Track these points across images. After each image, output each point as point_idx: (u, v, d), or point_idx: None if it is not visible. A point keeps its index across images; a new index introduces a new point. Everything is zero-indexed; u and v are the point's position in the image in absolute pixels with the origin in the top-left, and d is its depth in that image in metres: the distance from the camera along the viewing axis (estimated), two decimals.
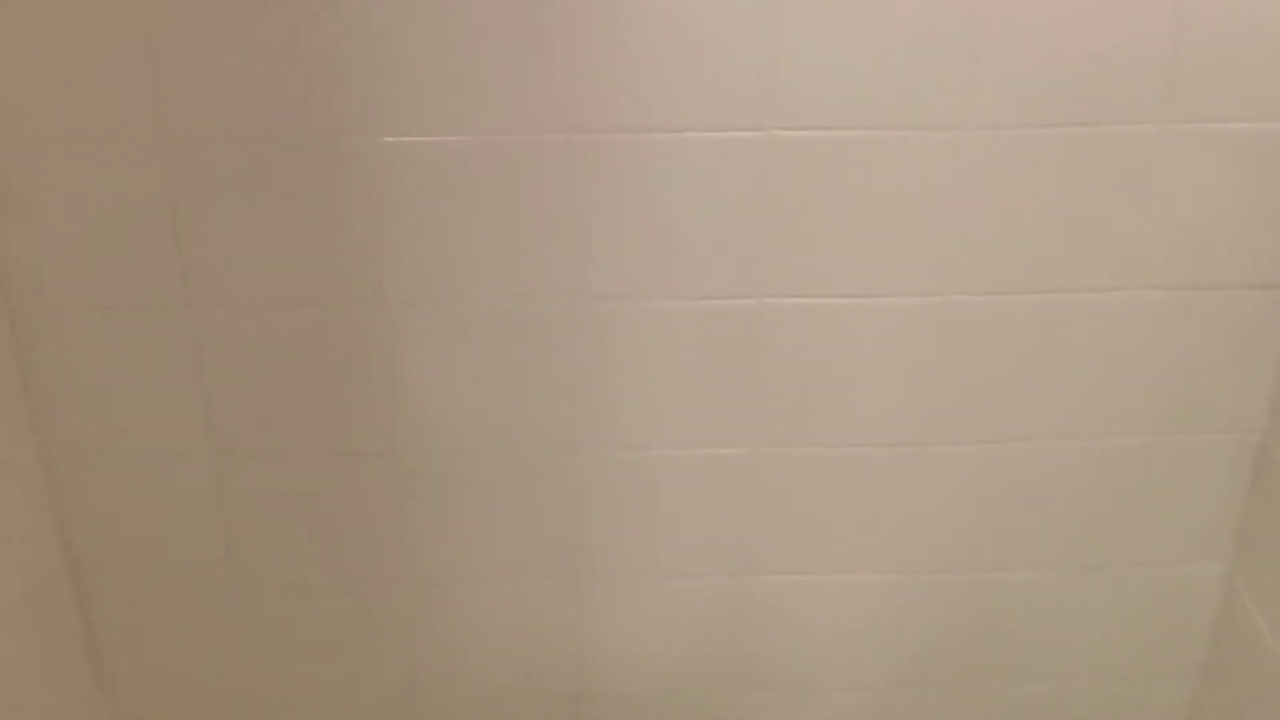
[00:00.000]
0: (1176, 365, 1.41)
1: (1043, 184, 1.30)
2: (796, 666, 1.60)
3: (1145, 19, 1.23)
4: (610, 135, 1.26)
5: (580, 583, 1.52)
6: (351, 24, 1.22)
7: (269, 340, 1.37)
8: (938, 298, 1.36)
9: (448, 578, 1.51)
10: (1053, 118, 1.27)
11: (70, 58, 1.23)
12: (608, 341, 1.37)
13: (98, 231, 1.31)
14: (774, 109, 1.25)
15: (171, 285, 1.34)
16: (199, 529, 1.48)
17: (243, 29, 1.22)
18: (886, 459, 1.45)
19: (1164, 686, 1.62)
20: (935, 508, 1.49)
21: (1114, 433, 1.44)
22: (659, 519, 1.49)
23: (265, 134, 1.26)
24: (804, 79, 1.25)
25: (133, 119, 1.26)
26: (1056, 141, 1.28)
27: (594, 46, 1.23)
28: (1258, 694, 1.45)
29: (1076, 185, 1.31)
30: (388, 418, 1.41)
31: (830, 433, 1.43)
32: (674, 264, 1.33)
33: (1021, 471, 1.47)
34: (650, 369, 1.39)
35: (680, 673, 1.60)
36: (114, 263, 1.33)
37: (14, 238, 1.31)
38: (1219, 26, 1.23)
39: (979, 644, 1.59)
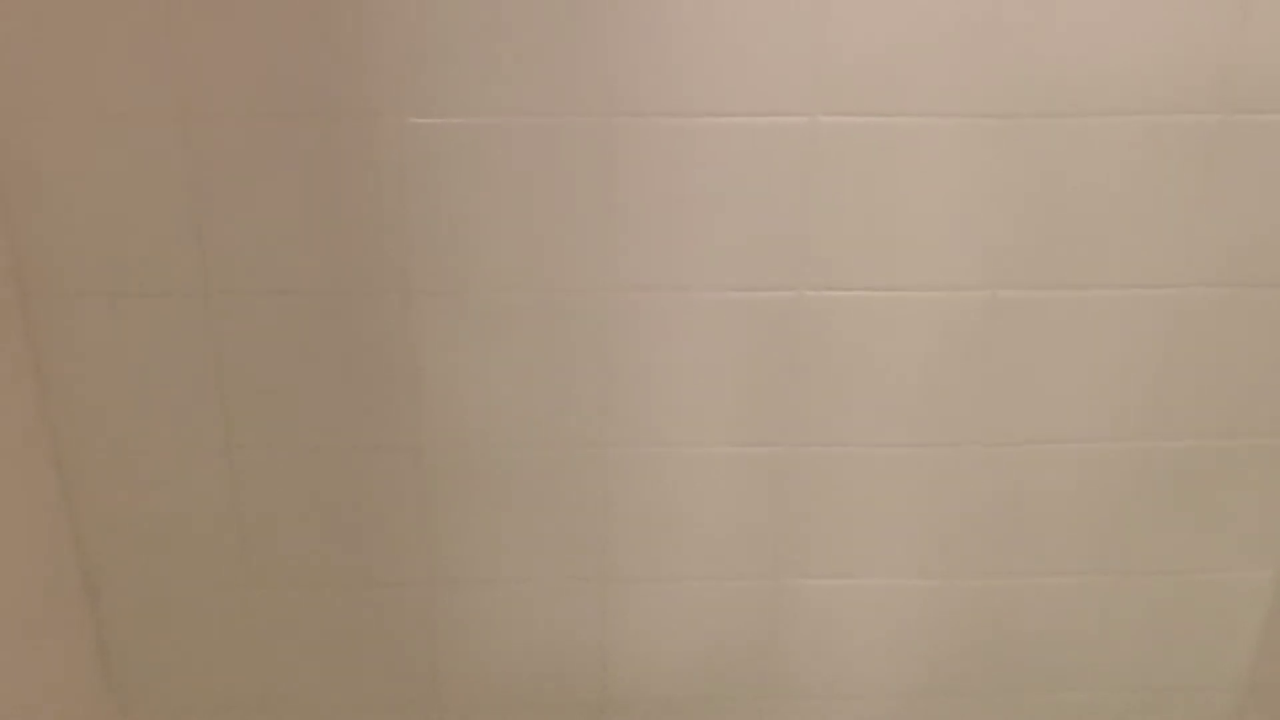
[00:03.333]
0: (1226, 366, 1.37)
1: (1096, 175, 1.27)
2: (824, 671, 1.57)
3: (1206, 8, 1.19)
4: (649, 119, 1.23)
5: (606, 583, 1.49)
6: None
7: (290, 329, 1.34)
8: (983, 293, 1.32)
9: (471, 576, 1.48)
10: (1107, 107, 1.23)
11: (91, 38, 1.20)
12: (640, 334, 1.34)
13: (116, 215, 1.28)
14: (819, 94, 1.22)
15: (191, 271, 1.31)
16: (215, 524, 1.45)
17: (266, 6, 1.19)
18: (923, 459, 1.42)
19: (1208, 697, 1.58)
20: (972, 510, 1.45)
21: (1160, 435, 1.41)
22: (687, 519, 1.45)
23: (289, 114, 1.23)
24: (850, 63, 1.21)
25: (154, 99, 1.22)
26: (1111, 132, 1.24)
27: (635, 26, 1.19)
28: None
29: (1130, 178, 1.27)
30: (411, 411, 1.38)
31: (866, 431, 1.40)
32: (711, 254, 1.30)
33: (1063, 474, 1.43)
34: (683, 363, 1.36)
35: (705, 676, 1.56)
36: (132, 248, 1.30)
37: (30, 221, 1.28)
38: None
39: (1014, 651, 1.55)
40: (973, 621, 1.53)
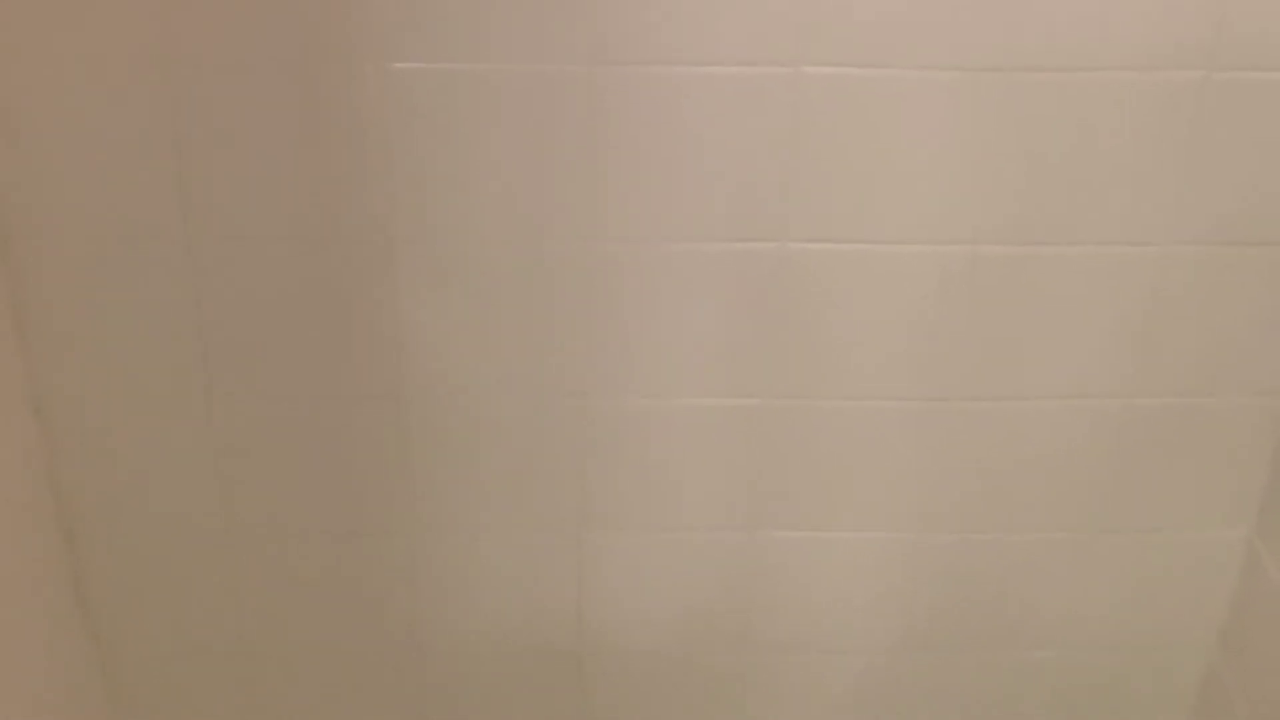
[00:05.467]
0: (1209, 325, 1.37)
1: (1082, 131, 1.26)
2: (802, 625, 1.57)
3: None
4: (634, 68, 1.22)
5: (585, 534, 1.49)
6: None
7: (271, 278, 1.33)
8: (966, 247, 1.32)
9: (450, 527, 1.48)
10: (1095, 62, 1.22)
11: None
12: (622, 285, 1.34)
13: (96, 161, 1.26)
14: (804, 43, 1.21)
15: (172, 218, 1.29)
16: (194, 471, 1.44)
17: None
18: (905, 413, 1.42)
19: (1180, 655, 1.59)
20: (952, 465, 1.45)
21: (1140, 393, 1.41)
22: (668, 470, 1.45)
23: (269, 59, 1.22)
24: (836, 15, 1.20)
25: (134, 46, 1.20)
26: (1098, 87, 1.24)
27: None
28: (1278, 665, 1.42)
29: (1117, 134, 1.26)
30: (392, 360, 1.37)
31: (848, 385, 1.40)
32: (694, 205, 1.29)
33: (1042, 430, 1.43)
34: (665, 315, 1.35)
35: (684, 629, 1.57)
36: (112, 194, 1.28)
37: (8, 167, 1.26)
38: None
39: (992, 607, 1.56)
40: (949, 577, 1.53)
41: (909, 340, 1.37)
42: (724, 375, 1.39)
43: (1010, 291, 1.34)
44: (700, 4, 1.19)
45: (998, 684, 1.62)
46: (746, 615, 1.56)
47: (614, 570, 1.52)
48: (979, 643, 1.59)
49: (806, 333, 1.36)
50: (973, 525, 1.49)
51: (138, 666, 1.57)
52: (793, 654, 1.59)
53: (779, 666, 1.60)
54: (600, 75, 1.22)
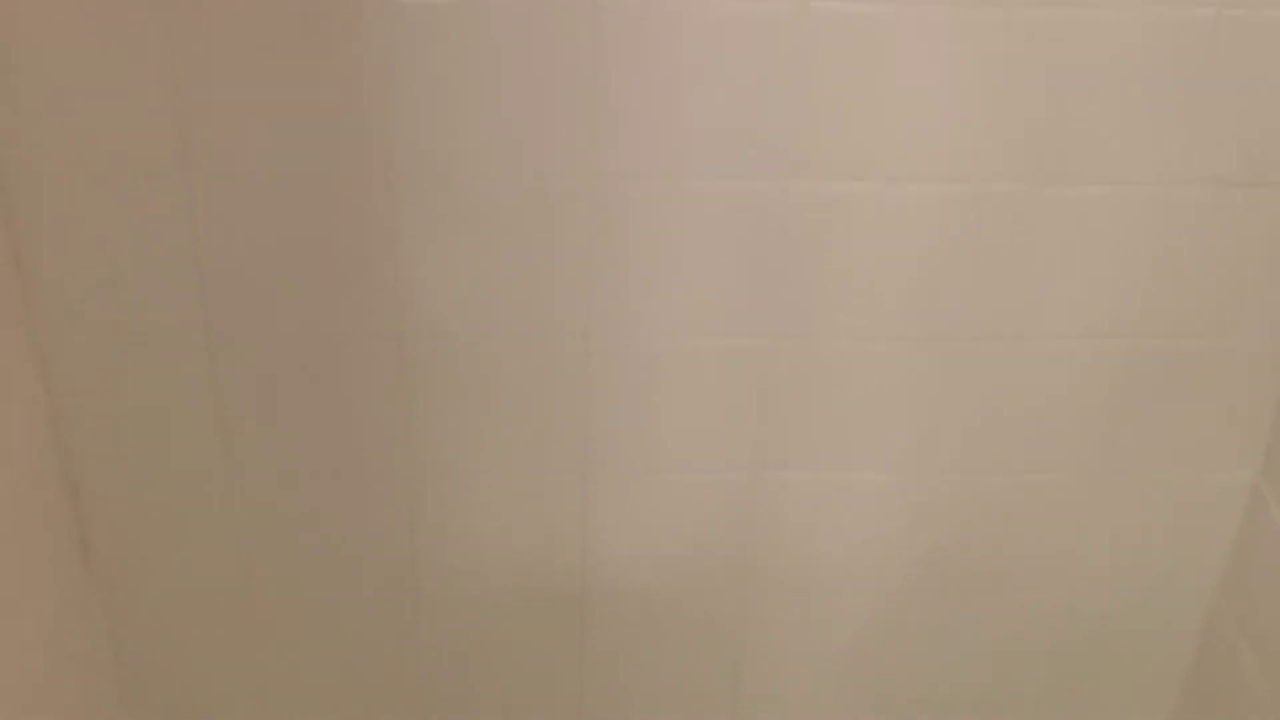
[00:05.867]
0: (1216, 265, 1.36)
1: (1091, 68, 1.24)
2: (806, 567, 1.57)
3: None
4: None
5: (588, 476, 1.48)
6: None
7: (270, 215, 1.31)
8: (971, 185, 1.30)
9: (451, 468, 1.47)
10: None
11: None
12: (626, 223, 1.32)
13: (93, 97, 1.24)
14: None
15: (169, 154, 1.28)
16: (194, 412, 1.43)
17: None
18: (909, 353, 1.41)
19: (1183, 598, 1.60)
20: (956, 405, 1.45)
21: (1147, 334, 1.40)
22: (671, 411, 1.44)
23: None
24: None
25: None
26: (1107, 23, 1.22)
27: None
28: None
29: (1126, 71, 1.25)
30: (393, 299, 1.36)
31: (853, 324, 1.39)
32: (698, 142, 1.28)
33: (1047, 371, 1.43)
34: (669, 252, 1.34)
35: (687, 571, 1.56)
36: (110, 130, 1.26)
37: (3, 103, 1.24)
38: None
39: (994, 548, 1.56)
40: (952, 519, 1.53)
41: (914, 279, 1.36)
42: (728, 315, 1.38)
43: (1016, 230, 1.33)
44: None
45: (999, 626, 1.62)
46: (749, 557, 1.56)
47: (617, 512, 1.51)
48: (981, 584, 1.59)
49: (811, 272, 1.35)
50: (976, 466, 1.49)
51: (142, 614, 1.57)
52: (795, 596, 1.59)
53: (781, 608, 1.60)
54: (604, 7, 1.20)
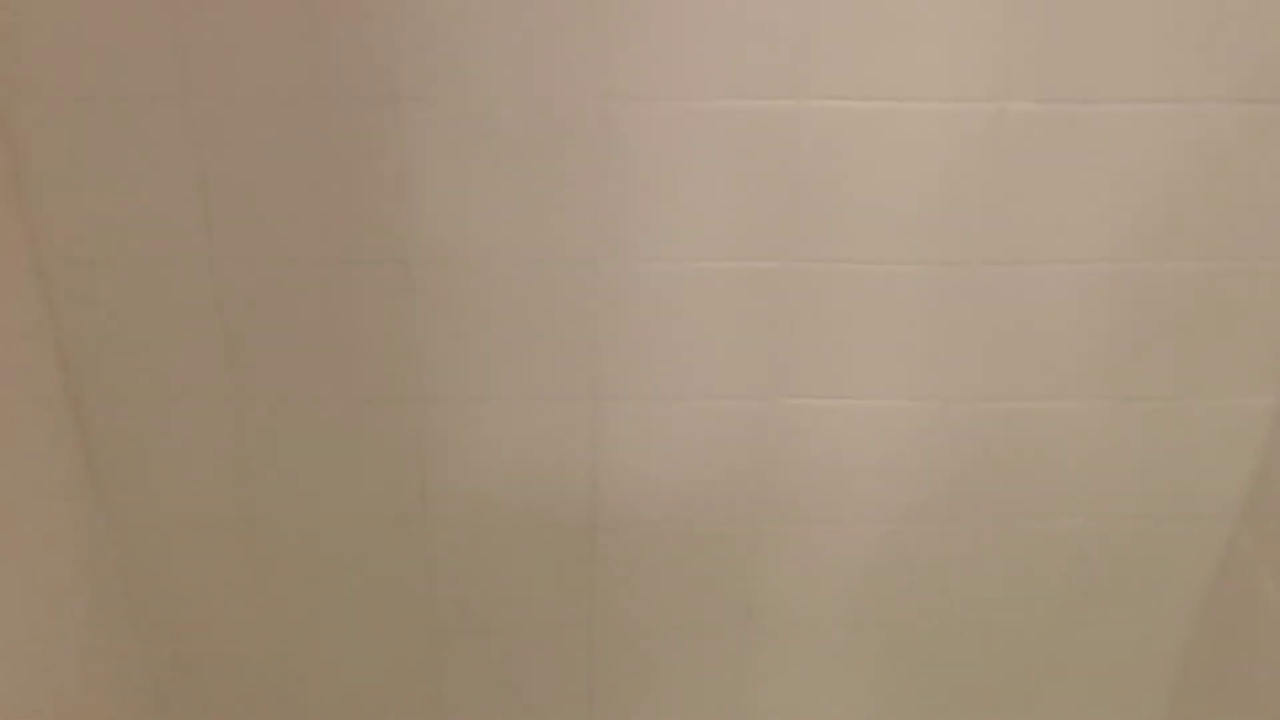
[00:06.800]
0: (1238, 185, 1.33)
1: None
2: (820, 494, 1.56)
3: None
4: None
5: (597, 401, 1.47)
6: None
7: (274, 137, 1.30)
8: (992, 104, 1.27)
9: (460, 394, 1.46)
10: None
11: None
12: (634, 144, 1.30)
13: (92, 18, 1.23)
14: None
15: (171, 75, 1.26)
16: (200, 338, 1.42)
17: None
18: (925, 277, 1.39)
19: (1202, 526, 1.58)
20: (972, 330, 1.43)
21: (1167, 256, 1.37)
22: (681, 336, 1.43)
23: None
24: None
25: None
26: None
27: None
28: None
29: None
30: (399, 222, 1.34)
31: (867, 247, 1.36)
32: (707, 61, 1.25)
33: (1067, 294, 1.40)
34: (679, 174, 1.32)
35: (697, 498, 1.56)
36: (111, 52, 1.25)
37: (4, 23, 1.23)
38: None
39: (1011, 476, 1.54)
40: (969, 445, 1.51)
41: (929, 202, 1.33)
42: (739, 238, 1.36)
43: (1034, 151, 1.30)
44: None
45: (1017, 553, 1.60)
46: (762, 484, 1.54)
47: (627, 437, 1.50)
48: (998, 512, 1.57)
49: (824, 194, 1.33)
50: (993, 392, 1.47)
51: (151, 542, 1.57)
52: (809, 523, 1.58)
53: (795, 536, 1.59)
54: None
